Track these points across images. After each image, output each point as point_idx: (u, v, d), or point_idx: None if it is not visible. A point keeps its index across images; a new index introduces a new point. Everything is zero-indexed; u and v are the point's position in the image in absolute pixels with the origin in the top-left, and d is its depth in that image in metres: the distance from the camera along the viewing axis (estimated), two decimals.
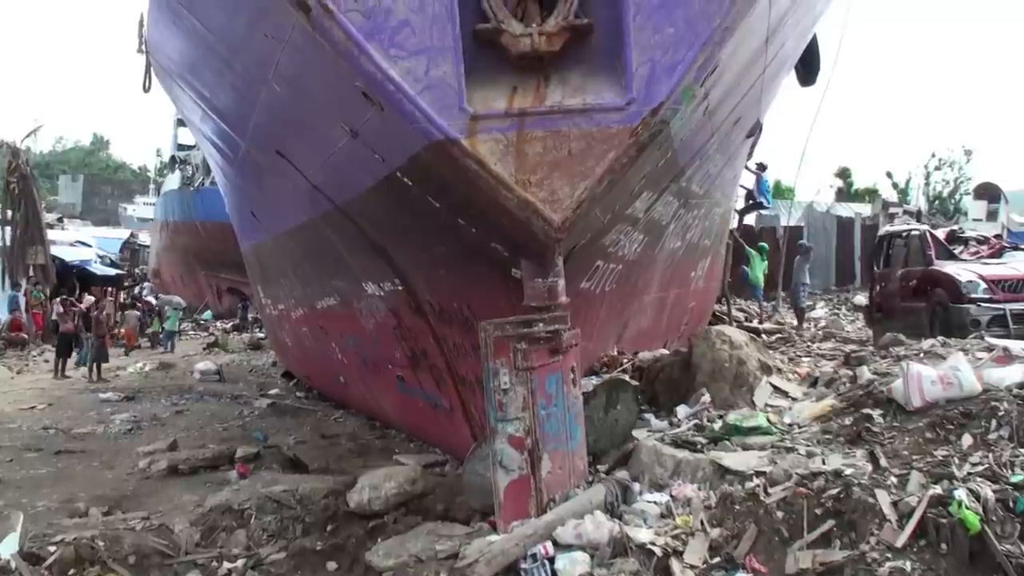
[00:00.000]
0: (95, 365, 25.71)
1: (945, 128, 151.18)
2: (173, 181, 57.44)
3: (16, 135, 44.13)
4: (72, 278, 43.49)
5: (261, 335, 34.14)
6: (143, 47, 17.04)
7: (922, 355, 11.75)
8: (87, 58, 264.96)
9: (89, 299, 35.86)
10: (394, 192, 9.67)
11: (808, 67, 17.05)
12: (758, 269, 26.63)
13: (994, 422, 8.39)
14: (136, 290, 53.79)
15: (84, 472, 14.00)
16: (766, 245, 28.35)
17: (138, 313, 36.85)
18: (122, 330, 34.99)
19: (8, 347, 33.16)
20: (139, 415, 18.96)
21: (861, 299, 28.63)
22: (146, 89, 17.48)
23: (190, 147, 51.18)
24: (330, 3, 7.86)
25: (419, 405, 13.53)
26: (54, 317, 33.79)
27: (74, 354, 28.32)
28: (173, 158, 58.90)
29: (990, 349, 11.13)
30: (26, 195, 38.59)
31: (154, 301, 44.38)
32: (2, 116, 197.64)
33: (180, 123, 49.74)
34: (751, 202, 25.27)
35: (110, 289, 46.02)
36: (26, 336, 34.13)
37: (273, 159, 12.64)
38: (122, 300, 45.06)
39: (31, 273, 37.97)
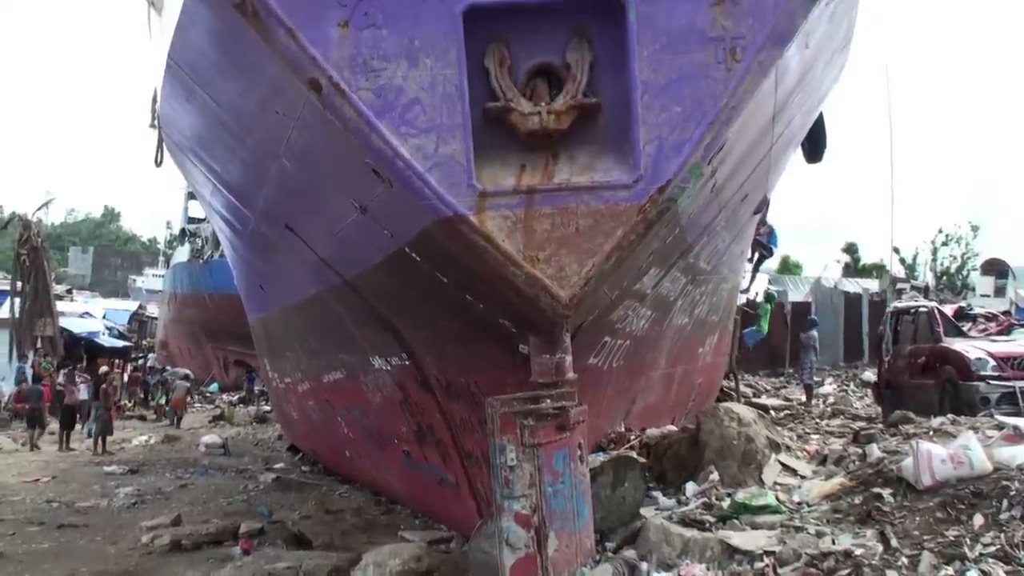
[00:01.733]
0: (100, 437, 25.63)
1: (951, 204, 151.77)
2: (183, 254, 57.70)
3: (29, 208, 44.57)
4: (80, 349, 43.54)
5: (267, 408, 34.06)
6: (156, 122, 17.22)
7: (932, 433, 11.70)
8: (100, 132, 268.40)
9: (103, 368, 35.85)
10: (402, 267, 9.72)
11: (814, 144, 17.17)
12: (766, 320, 26.50)
13: (1005, 502, 8.32)
14: (140, 362, 53.77)
15: (87, 547, 13.89)
16: (773, 293, 28.41)
17: (187, 384, 37.05)
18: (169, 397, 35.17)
19: (14, 419, 33.07)
20: (143, 489, 18.86)
21: (870, 375, 28.53)
22: (158, 163, 17.64)
23: (200, 220, 51.48)
24: (341, 82, 7.98)
25: (425, 480, 13.44)
26: (58, 388, 33.76)
27: (80, 426, 28.25)
28: (183, 231, 59.21)
29: (1000, 427, 11.08)
30: (36, 267, 38.81)
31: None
32: (16, 189, 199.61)
33: (191, 196, 50.09)
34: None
35: (117, 361, 46.02)
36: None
37: (282, 233, 12.72)
38: (129, 373, 44.99)
39: (39, 345, 38.01)
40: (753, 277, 24.36)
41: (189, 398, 38.23)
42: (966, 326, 20.04)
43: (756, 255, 22.07)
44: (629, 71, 8.14)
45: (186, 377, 39.07)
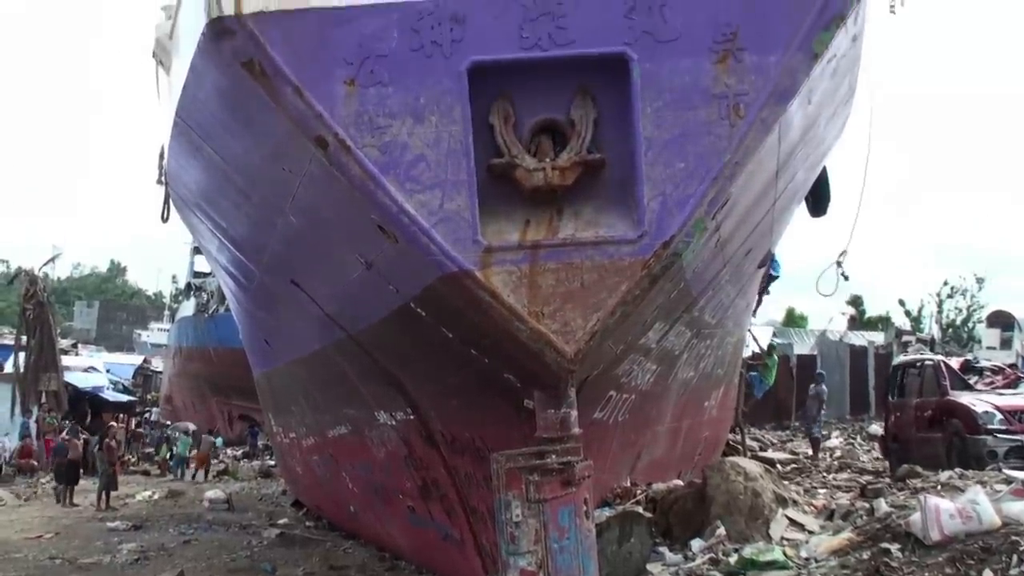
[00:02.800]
0: (104, 493, 25.50)
1: (956, 255, 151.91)
2: (188, 308, 57.84)
3: (36, 262, 44.66)
4: (84, 404, 43.46)
5: (271, 463, 33.94)
6: (162, 178, 17.33)
7: (940, 487, 11.66)
8: (107, 188, 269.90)
9: (114, 425, 35.90)
10: (407, 322, 9.75)
11: (818, 198, 17.23)
12: (773, 371, 26.31)
13: (1015, 557, 8.28)
14: (146, 415, 53.74)
15: None
16: (775, 343, 28.33)
17: (212, 439, 37.15)
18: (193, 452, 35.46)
19: (17, 474, 32.97)
20: (146, 545, 18.73)
21: (876, 429, 28.43)
22: (164, 219, 17.70)
23: (206, 274, 51.61)
24: (347, 139, 8.07)
25: (430, 536, 13.36)
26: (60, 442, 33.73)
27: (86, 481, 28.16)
28: (189, 285, 59.40)
29: (1009, 481, 11.04)
30: (42, 322, 38.87)
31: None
32: (23, 244, 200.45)
33: (196, 251, 50.34)
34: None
35: (121, 416, 45.94)
36: (35, 463, 33.95)
37: (287, 288, 12.75)
38: (133, 427, 44.92)
39: (43, 400, 37.96)
40: (759, 302, 24.28)
41: (195, 451, 38.17)
42: (972, 379, 19.99)
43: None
44: (633, 128, 8.22)
45: (195, 432, 39.05)
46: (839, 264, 14.43)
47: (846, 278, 15.21)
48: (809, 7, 8.43)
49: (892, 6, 12.71)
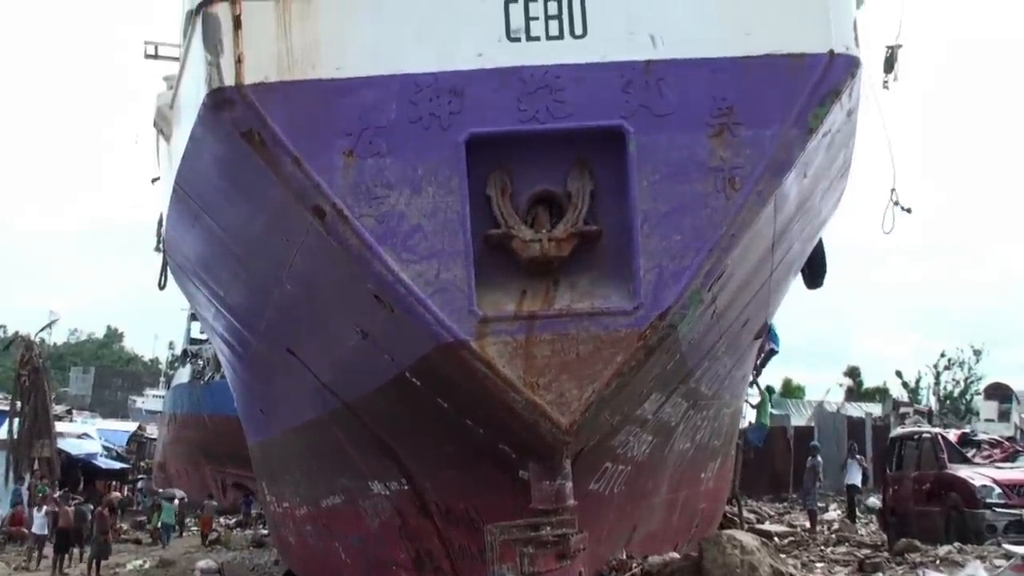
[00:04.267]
0: (95, 562, 25.21)
1: (953, 327, 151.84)
2: (184, 374, 57.61)
3: (33, 328, 44.56)
4: (77, 471, 43.14)
5: (264, 532, 33.59)
6: (161, 246, 17.38)
7: (939, 562, 11.55)
8: (105, 254, 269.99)
9: (116, 494, 35.73)
10: (402, 392, 9.73)
11: (814, 270, 17.26)
12: (765, 412, 25.98)
13: None
14: (136, 483, 53.35)
15: None
16: (773, 387, 28.11)
17: (215, 503, 37.43)
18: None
19: (8, 542, 32.59)
20: None
21: (874, 501, 28.22)
22: (162, 287, 17.69)
23: (202, 341, 51.48)
24: (344, 209, 8.12)
25: None
26: (49, 509, 33.39)
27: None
28: (185, 352, 59.23)
29: (1008, 556, 10.95)
30: (37, 388, 38.64)
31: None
32: (20, 310, 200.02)
33: (193, 318, 50.29)
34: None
35: (114, 483, 45.60)
36: (27, 531, 33.58)
37: (283, 356, 12.73)
38: (124, 494, 44.54)
39: (36, 467, 37.66)
40: (759, 373, 24.16)
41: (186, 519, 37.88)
42: (970, 452, 19.87)
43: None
44: (629, 200, 8.29)
45: (181, 499, 38.70)
46: (896, 203, 13.61)
47: (908, 210, 13.77)
48: (804, 83, 8.54)
49: (885, 81, 12.84)
